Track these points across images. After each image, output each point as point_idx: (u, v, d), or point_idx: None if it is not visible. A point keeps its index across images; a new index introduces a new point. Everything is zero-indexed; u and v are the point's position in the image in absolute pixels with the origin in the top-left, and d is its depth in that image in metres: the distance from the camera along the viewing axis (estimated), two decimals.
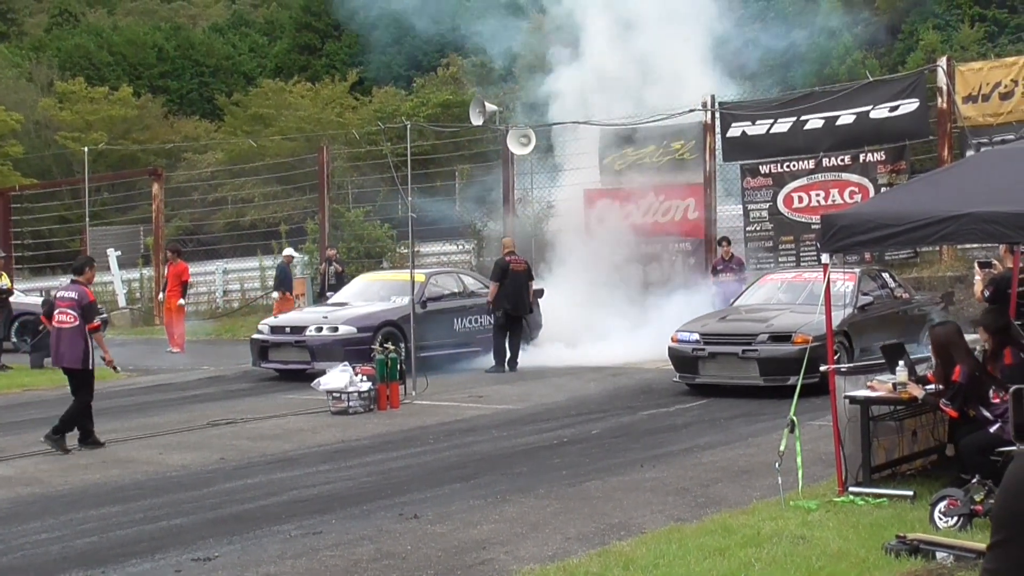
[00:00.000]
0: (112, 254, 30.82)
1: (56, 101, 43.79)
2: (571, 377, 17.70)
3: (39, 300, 23.88)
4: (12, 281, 24.55)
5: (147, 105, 45.24)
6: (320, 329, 17.78)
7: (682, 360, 15.42)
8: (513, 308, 18.77)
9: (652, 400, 15.09)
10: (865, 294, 15.94)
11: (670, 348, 15.60)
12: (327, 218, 27.66)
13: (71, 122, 42.19)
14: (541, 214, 25.26)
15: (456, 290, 19.74)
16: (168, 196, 31.67)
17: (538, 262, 22.25)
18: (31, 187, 36.34)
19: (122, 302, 30.74)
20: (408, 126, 18.18)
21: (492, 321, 19.10)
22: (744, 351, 14.83)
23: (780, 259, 22.13)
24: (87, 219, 23.40)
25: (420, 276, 18.98)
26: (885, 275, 17.30)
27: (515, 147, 23.84)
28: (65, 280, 31.76)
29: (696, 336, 15.28)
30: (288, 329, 18.33)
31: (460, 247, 27.23)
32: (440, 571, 7.58)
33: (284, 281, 24.85)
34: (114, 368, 13.72)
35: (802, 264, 21.05)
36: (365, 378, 14.91)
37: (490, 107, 22.93)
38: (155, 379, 19.39)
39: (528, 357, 19.09)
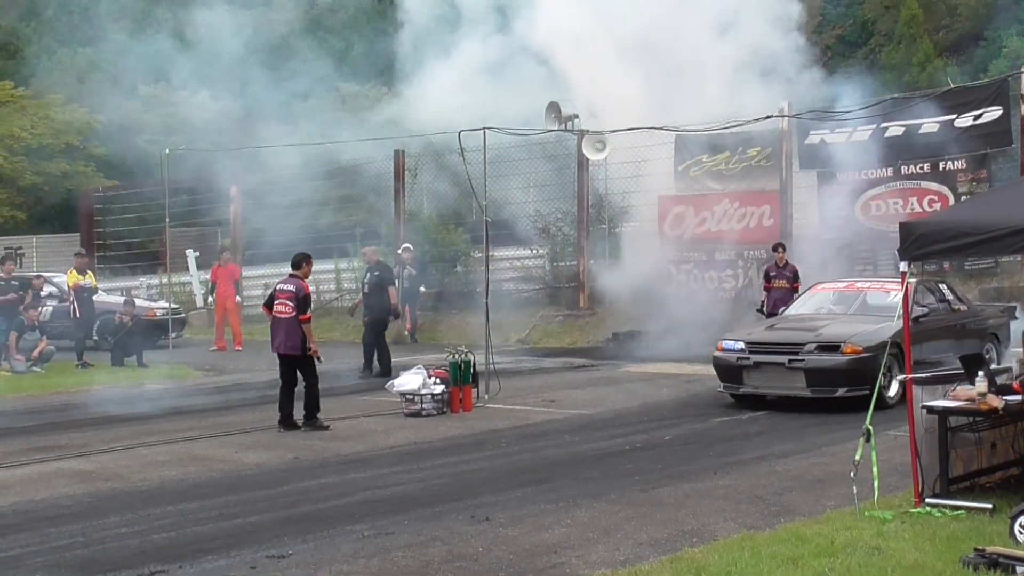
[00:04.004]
0: (191, 255, 31.34)
1: (139, 104, 44.57)
2: (644, 383, 17.65)
3: (120, 299, 24.36)
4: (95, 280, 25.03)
5: (225, 109, 45.83)
6: None
7: (726, 369, 15.04)
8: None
9: (725, 407, 14.98)
10: (921, 306, 15.59)
11: (714, 357, 15.23)
12: (402, 221, 27.82)
13: (152, 125, 42.93)
14: (615, 220, 25.18)
15: None
16: (244, 198, 32.06)
17: (612, 267, 22.19)
18: (113, 188, 37.02)
19: (200, 302, 31.19)
20: (484, 131, 18.20)
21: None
22: (790, 361, 14.41)
23: (856, 267, 21.85)
24: (167, 220, 23.79)
25: None
26: (943, 287, 16.94)
27: (590, 152, 23.77)
28: (146, 279, 32.72)
29: (741, 344, 14.92)
30: None
31: (534, 251, 27.24)
32: (512, 574, 7.61)
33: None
34: (318, 358, 14.22)
35: (879, 273, 20.75)
36: (439, 381, 15.02)
37: (565, 112, 22.89)
38: (231, 379, 19.68)
39: (599, 361, 18.96)
